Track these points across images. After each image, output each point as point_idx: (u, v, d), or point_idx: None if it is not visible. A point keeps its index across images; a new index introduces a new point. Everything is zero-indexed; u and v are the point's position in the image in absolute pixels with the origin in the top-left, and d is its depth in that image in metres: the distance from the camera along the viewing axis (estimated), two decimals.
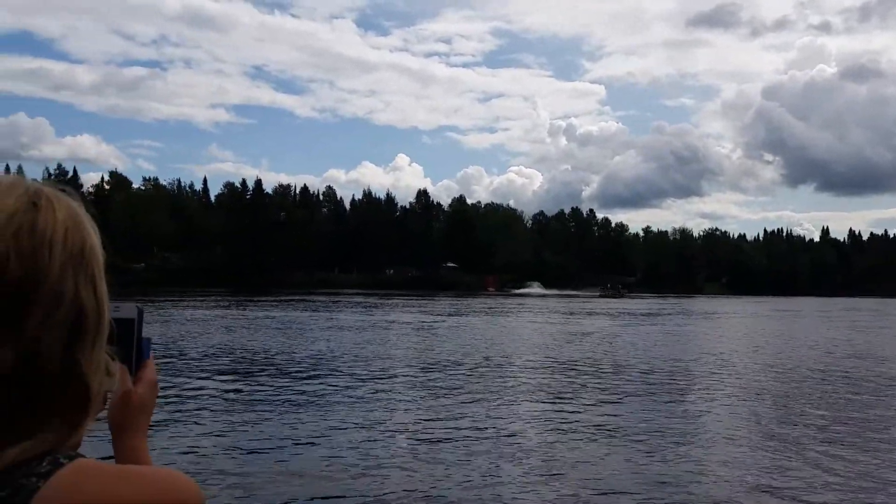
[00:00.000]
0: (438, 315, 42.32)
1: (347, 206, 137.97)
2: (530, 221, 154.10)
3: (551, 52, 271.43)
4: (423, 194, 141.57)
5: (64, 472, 0.74)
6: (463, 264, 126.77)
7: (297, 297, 62.52)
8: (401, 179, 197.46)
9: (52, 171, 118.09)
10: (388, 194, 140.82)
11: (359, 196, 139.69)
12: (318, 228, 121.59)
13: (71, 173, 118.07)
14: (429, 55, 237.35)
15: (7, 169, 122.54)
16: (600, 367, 18.50)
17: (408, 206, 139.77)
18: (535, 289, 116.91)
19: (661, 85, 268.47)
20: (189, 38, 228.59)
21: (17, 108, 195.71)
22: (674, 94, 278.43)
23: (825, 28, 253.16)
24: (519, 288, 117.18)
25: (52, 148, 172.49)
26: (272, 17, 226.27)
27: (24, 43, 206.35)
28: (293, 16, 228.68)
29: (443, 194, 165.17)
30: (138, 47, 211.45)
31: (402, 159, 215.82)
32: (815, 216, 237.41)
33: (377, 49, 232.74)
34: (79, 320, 0.78)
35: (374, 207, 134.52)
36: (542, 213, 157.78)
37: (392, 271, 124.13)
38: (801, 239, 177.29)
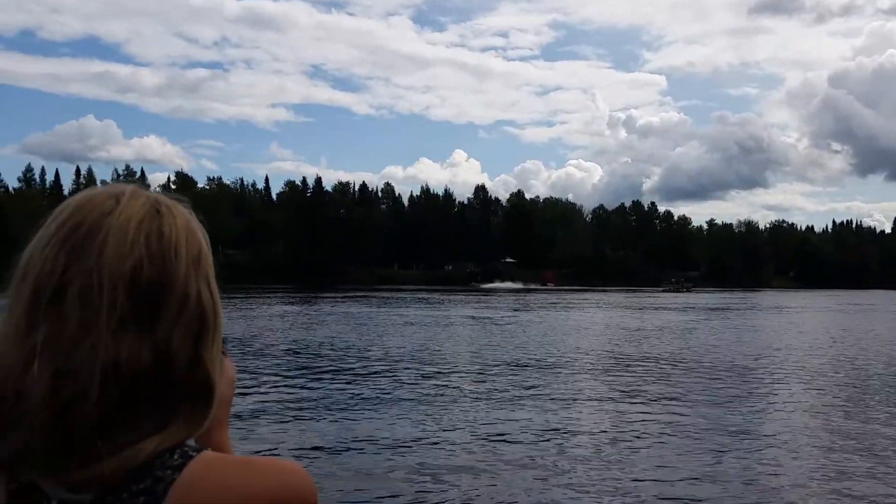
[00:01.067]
0: (503, 311, 42.18)
1: (405, 202, 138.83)
2: (590, 216, 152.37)
3: (610, 43, 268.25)
4: (480, 189, 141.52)
5: (194, 464, 0.78)
6: (521, 259, 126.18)
7: (359, 294, 63.17)
8: (458, 175, 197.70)
9: (120, 172, 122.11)
10: (445, 190, 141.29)
11: (416, 192, 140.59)
12: (377, 225, 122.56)
13: (139, 174, 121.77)
14: (485, 49, 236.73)
15: (77, 171, 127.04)
16: (672, 363, 18.14)
17: (465, 202, 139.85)
18: (506, 283, 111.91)
19: (724, 74, 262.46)
20: (249, 39, 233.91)
21: (86, 111, 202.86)
22: (737, 83, 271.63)
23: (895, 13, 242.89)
24: (487, 283, 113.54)
25: (120, 149, 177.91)
26: (329, 15, 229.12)
27: (92, 47, 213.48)
28: (350, 14, 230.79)
29: (500, 189, 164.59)
30: (200, 49, 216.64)
31: (459, 155, 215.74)
32: (885, 206, 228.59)
33: (433, 45, 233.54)
34: (201, 320, 0.83)
35: (431, 203, 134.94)
36: (601, 206, 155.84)
37: (450, 267, 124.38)
38: (871, 230, 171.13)
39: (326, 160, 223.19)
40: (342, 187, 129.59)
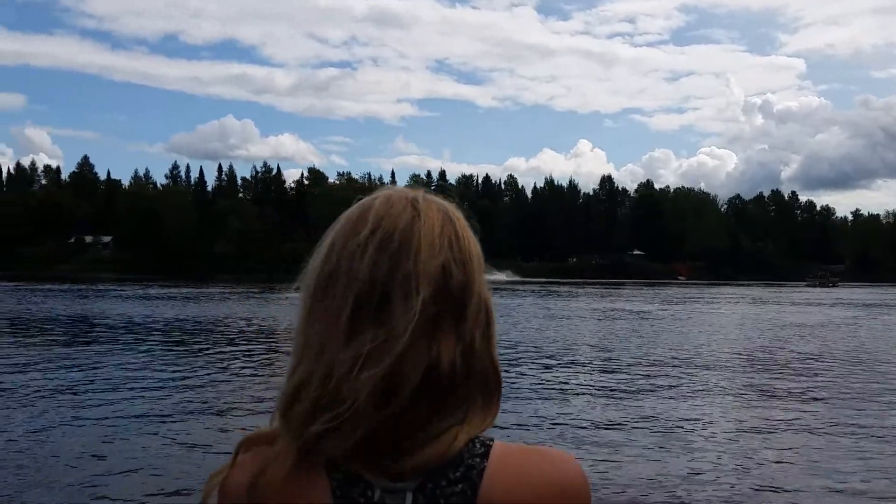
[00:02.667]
0: (647, 304, 40.77)
1: (529, 194, 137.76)
2: (725, 206, 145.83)
3: (744, 26, 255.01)
4: (606, 180, 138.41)
5: (496, 453, 0.84)
6: (650, 252, 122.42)
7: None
8: (582, 165, 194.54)
9: (258, 169, 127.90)
10: (570, 181, 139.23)
11: (540, 184, 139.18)
12: (500, 217, 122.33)
13: (275, 170, 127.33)
14: (611, 36, 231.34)
15: (220, 168, 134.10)
16: (835, 362, 16.63)
17: (591, 193, 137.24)
18: (502, 275, 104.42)
19: (867, 56, 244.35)
20: (376, 37, 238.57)
21: (226, 111, 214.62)
22: (882, 65, 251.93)
23: None
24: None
25: (258, 147, 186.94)
26: (453, 10, 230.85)
27: (230, 50, 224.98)
28: (474, 8, 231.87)
29: (627, 179, 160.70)
30: (330, 49, 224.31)
31: (583, 145, 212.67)
32: None
33: (558, 34, 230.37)
34: (488, 318, 0.88)
35: (556, 195, 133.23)
36: (737, 196, 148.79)
37: (575, 259, 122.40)
38: None
39: (450, 153, 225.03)
40: (465, 180, 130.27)
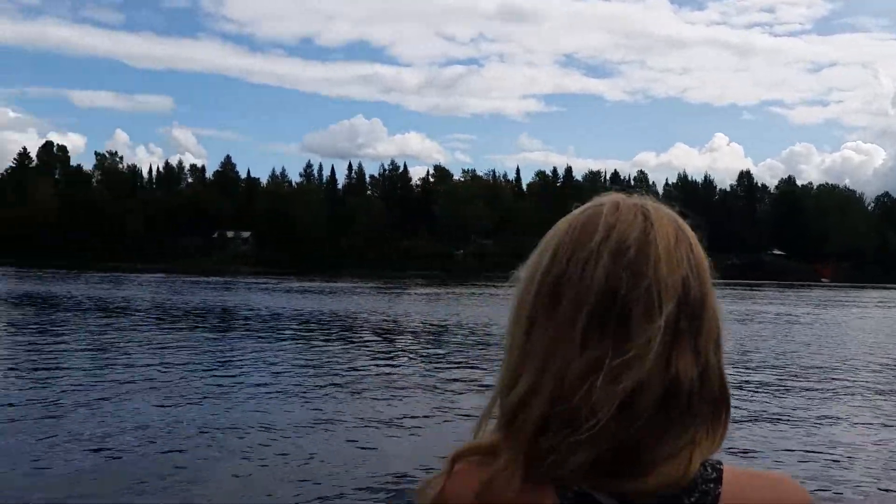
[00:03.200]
0: (790, 307, 38.18)
1: (660, 190, 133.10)
2: (871, 204, 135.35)
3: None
4: (744, 176, 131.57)
5: (727, 478, 0.81)
6: (790, 251, 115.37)
7: None
8: (718, 160, 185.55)
9: (386, 167, 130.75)
10: (705, 177, 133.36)
11: (672, 179, 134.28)
12: None
13: (402, 168, 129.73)
14: (749, 26, 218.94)
15: (350, 167, 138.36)
16: None
17: (728, 189, 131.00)
18: None
19: None
20: (503, 33, 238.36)
21: (355, 111, 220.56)
22: None
23: None
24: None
25: (385, 146, 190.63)
26: (583, 2, 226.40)
27: (361, 51, 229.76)
28: None
29: (766, 175, 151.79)
30: (458, 47, 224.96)
31: (719, 139, 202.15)
32: None
33: (692, 24, 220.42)
34: (718, 331, 0.84)
35: (689, 191, 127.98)
36: (886, 194, 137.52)
37: (710, 259, 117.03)
38: None
39: (575, 149, 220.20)
40: (592, 176, 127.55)
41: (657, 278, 0.80)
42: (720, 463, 0.83)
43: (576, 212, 0.87)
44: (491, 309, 29.42)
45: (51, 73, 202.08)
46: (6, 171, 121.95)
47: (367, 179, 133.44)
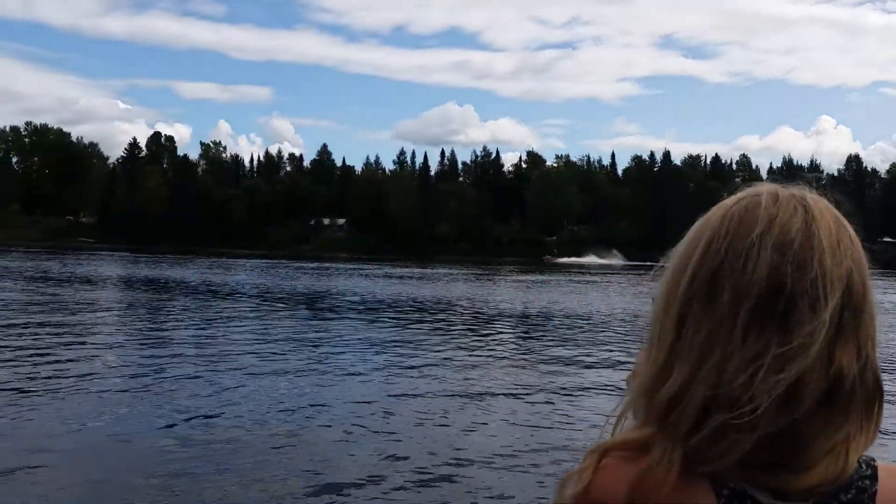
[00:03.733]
0: None
1: (763, 174, 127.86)
2: None
3: None
4: (853, 160, 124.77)
5: (882, 475, 0.80)
6: None
7: None
8: (824, 144, 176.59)
9: (478, 154, 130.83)
10: (811, 161, 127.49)
11: (776, 163, 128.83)
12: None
13: (494, 155, 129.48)
14: (859, 4, 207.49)
15: (442, 153, 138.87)
16: None
17: (835, 174, 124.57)
18: (592, 258, 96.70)
19: None
20: (598, 14, 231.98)
21: (448, 98, 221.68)
22: None
23: None
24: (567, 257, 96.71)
25: (477, 132, 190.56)
26: None
27: (454, 38, 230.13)
28: None
29: (876, 159, 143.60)
30: (551, 30, 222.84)
31: (826, 121, 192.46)
32: None
33: (797, 3, 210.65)
34: (874, 322, 0.82)
35: (795, 175, 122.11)
36: None
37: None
38: None
39: (674, 133, 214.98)
40: (692, 160, 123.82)
41: (823, 272, 0.78)
42: (874, 459, 0.81)
43: (728, 201, 0.85)
44: (592, 296, 29.20)
45: (158, 66, 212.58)
46: (118, 160, 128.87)
47: (460, 166, 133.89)
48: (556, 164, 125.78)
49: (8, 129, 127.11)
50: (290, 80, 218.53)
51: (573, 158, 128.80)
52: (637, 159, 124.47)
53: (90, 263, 49.04)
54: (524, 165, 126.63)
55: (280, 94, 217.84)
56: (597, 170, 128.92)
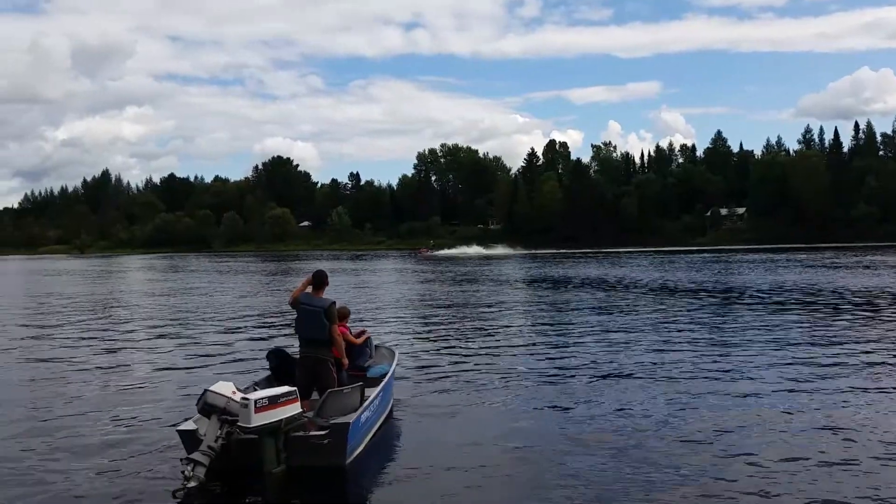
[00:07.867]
0: None
1: None
2: None
3: None
4: None
5: None
6: None
7: None
8: None
9: None
10: None
11: None
12: None
13: None
14: None
15: (856, 126, 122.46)
16: None
17: None
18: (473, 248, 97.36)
19: None
20: None
21: (858, 64, 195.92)
22: None
23: None
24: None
25: None
26: None
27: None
28: None
29: None
30: None
31: None
32: None
33: None
34: None
35: None
36: None
37: None
38: None
39: None
40: None
41: None
42: None
43: None
44: None
45: (550, 77, 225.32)
46: (518, 170, 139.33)
47: (878, 138, 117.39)
48: None
49: (427, 151, 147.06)
50: (677, 70, 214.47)
51: None
52: None
53: (567, 267, 53.24)
54: None
55: (668, 86, 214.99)
56: None
